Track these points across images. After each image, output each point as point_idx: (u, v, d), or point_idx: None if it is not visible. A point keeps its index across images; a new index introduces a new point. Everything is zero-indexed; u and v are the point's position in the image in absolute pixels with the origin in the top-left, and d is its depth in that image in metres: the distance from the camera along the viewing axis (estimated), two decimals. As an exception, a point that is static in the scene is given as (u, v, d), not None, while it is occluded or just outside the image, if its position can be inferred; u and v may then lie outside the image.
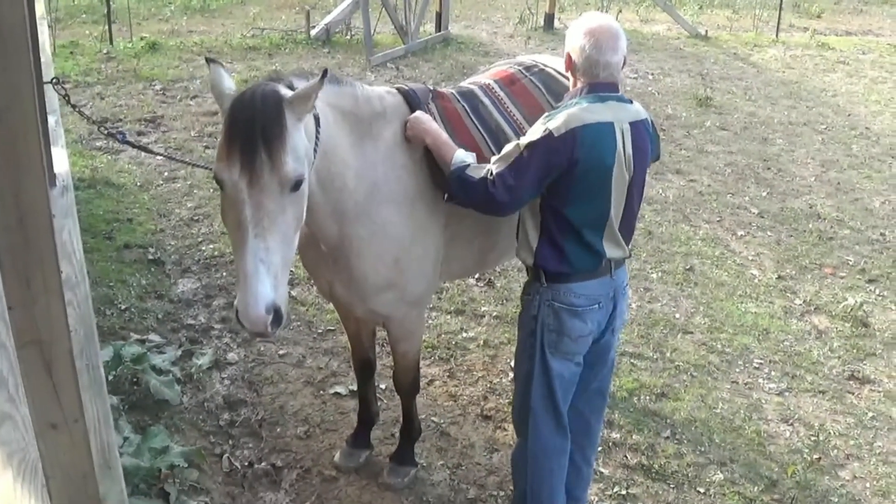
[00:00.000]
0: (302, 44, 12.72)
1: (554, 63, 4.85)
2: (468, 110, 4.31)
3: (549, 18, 14.58)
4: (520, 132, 4.28)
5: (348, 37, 12.97)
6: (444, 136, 3.96)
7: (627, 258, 3.97)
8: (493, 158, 3.77)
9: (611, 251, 3.83)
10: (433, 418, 5.33)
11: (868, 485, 5.03)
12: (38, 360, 2.25)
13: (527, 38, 14.00)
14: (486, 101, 4.42)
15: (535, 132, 3.67)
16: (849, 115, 11.23)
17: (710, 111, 10.99)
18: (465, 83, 4.69)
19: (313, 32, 12.86)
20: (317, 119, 3.52)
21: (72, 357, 2.29)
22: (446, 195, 3.98)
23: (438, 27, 13.47)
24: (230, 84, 3.48)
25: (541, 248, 3.81)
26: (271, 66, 11.69)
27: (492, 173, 3.69)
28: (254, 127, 3.17)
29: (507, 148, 3.75)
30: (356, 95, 3.93)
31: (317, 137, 3.50)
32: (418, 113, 4.02)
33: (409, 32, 12.67)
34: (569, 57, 3.77)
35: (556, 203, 3.71)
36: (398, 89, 4.23)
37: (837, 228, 8.13)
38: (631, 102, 3.82)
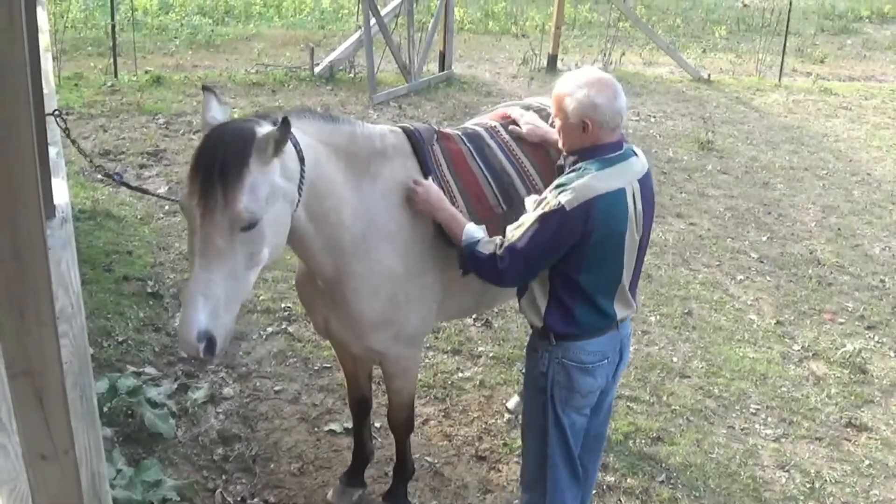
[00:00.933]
0: (305, 81, 12.78)
1: None
2: (473, 152, 4.33)
3: (553, 59, 14.66)
4: (524, 176, 4.32)
5: (351, 74, 13.03)
6: (453, 210, 3.95)
7: (635, 313, 4.00)
8: (508, 229, 3.72)
9: (621, 311, 3.85)
10: (427, 458, 5.33)
11: (864, 534, 5.03)
12: (30, 391, 2.26)
13: (530, 79, 14.08)
14: (492, 143, 4.43)
15: (546, 205, 3.60)
16: (850, 160, 11.26)
17: (712, 155, 11.03)
18: (470, 124, 4.72)
19: (317, 70, 12.92)
20: (301, 158, 3.54)
21: (63, 388, 2.31)
22: (461, 270, 3.99)
23: (442, 67, 13.54)
24: (218, 115, 3.53)
25: (550, 311, 3.78)
26: (274, 102, 11.77)
27: (501, 247, 3.67)
28: (214, 162, 3.25)
29: (518, 221, 3.70)
30: (354, 133, 3.95)
31: (302, 175, 3.52)
32: (427, 185, 3.99)
33: (413, 71, 12.74)
34: (574, 117, 3.64)
35: (568, 270, 3.69)
36: (402, 128, 4.26)
37: (837, 274, 8.13)
38: (634, 152, 3.80)
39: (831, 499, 5.26)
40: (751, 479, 5.37)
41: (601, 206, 3.55)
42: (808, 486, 5.34)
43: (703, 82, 14.34)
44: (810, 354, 6.78)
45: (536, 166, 4.40)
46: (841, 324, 7.26)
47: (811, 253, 8.55)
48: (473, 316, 6.72)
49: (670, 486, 5.24)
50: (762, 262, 8.29)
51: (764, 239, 8.78)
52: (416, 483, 5.06)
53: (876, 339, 7.07)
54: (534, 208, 3.67)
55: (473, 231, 3.79)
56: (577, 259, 3.63)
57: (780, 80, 14.79)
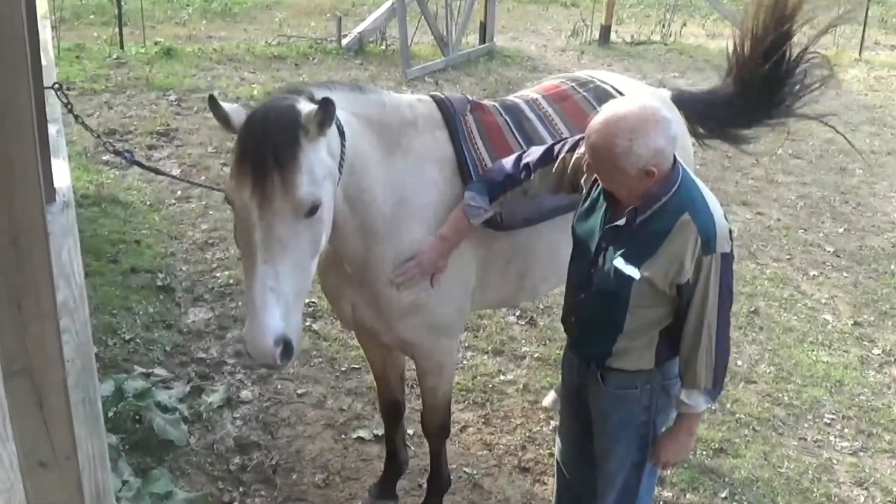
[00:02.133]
0: (332, 53, 12.88)
1: (613, 80, 4.87)
2: (510, 125, 4.37)
3: (606, 31, 14.67)
4: None
5: (383, 47, 13.11)
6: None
7: None
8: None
9: None
10: (465, 468, 5.39)
11: (951, 559, 5.02)
12: (28, 391, 2.29)
13: (580, 53, 14.09)
14: (532, 116, 4.47)
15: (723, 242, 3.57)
16: (939, 144, 11.25)
17: (782, 137, 10.99)
18: (511, 97, 4.74)
19: (345, 41, 13.02)
20: (341, 132, 3.59)
21: (66, 388, 2.33)
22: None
23: (483, 39, 13.58)
24: (237, 116, 3.53)
25: (659, 345, 3.78)
26: (298, 76, 11.87)
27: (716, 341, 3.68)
28: (266, 147, 3.26)
29: None
30: (383, 103, 4.02)
31: (342, 152, 3.58)
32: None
33: (450, 44, 12.79)
34: (634, 169, 3.45)
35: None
36: (432, 97, 4.33)
37: (923, 270, 8.14)
38: None
39: (915, 520, 5.26)
40: (825, 496, 5.39)
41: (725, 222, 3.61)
42: (889, 504, 5.35)
43: (774, 56, 14.32)
44: (892, 359, 6.82)
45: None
46: (928, 326, 7.25)
47: (894, 247, 8.59)
48: (517, 312, 6.74)
49: (734, 503, 5.27)
50: (838, 256, 8.34)
51: (840, 231, 8.83)
52: (452, 496, 5.12)
53: (965, 343, 7.04)
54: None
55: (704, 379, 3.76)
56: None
57: (860, 54, 14.84)
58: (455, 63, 12.76)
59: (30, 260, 2.16)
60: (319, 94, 3.49)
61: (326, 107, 3.27)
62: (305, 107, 3.39)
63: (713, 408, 5.93)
